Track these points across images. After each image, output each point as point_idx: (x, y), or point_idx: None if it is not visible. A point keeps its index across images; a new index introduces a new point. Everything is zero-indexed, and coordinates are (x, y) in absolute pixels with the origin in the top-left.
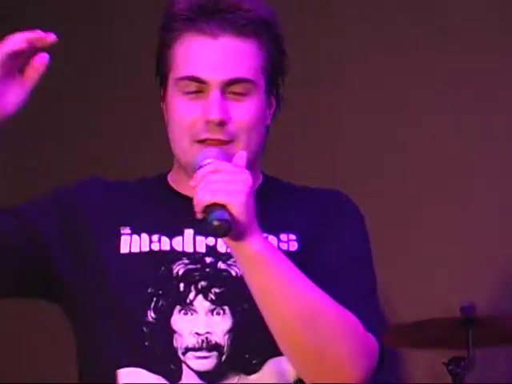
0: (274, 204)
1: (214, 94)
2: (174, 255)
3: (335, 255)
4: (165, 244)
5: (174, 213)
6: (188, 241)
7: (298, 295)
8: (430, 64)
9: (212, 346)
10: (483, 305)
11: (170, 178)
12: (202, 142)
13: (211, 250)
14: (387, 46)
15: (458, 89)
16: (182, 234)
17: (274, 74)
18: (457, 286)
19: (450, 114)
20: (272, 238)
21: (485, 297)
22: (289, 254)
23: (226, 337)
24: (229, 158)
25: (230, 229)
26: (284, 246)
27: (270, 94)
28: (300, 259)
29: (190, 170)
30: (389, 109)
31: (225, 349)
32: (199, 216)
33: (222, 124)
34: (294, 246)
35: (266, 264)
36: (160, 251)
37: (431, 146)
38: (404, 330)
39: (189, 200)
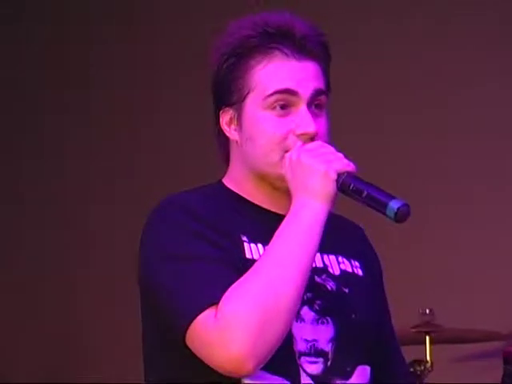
0: (336, 227)
1: (305, 108)
2: None
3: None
4: None
5: (269, 227)
6: None
7: None
8: None
9: (319, 353)
10: None
11: (241, 191)
12: None
13: None
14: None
15: None
16: None
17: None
18: None
19: None
20: (344, 260)
21: None
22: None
23: (330, 345)
24: None
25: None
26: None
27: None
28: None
29: (279, 182)
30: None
31: (329, 355)
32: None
33: (315, 136)
34: (360, 272)
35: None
36: None
37: None
38: None
39: (276, 215)
